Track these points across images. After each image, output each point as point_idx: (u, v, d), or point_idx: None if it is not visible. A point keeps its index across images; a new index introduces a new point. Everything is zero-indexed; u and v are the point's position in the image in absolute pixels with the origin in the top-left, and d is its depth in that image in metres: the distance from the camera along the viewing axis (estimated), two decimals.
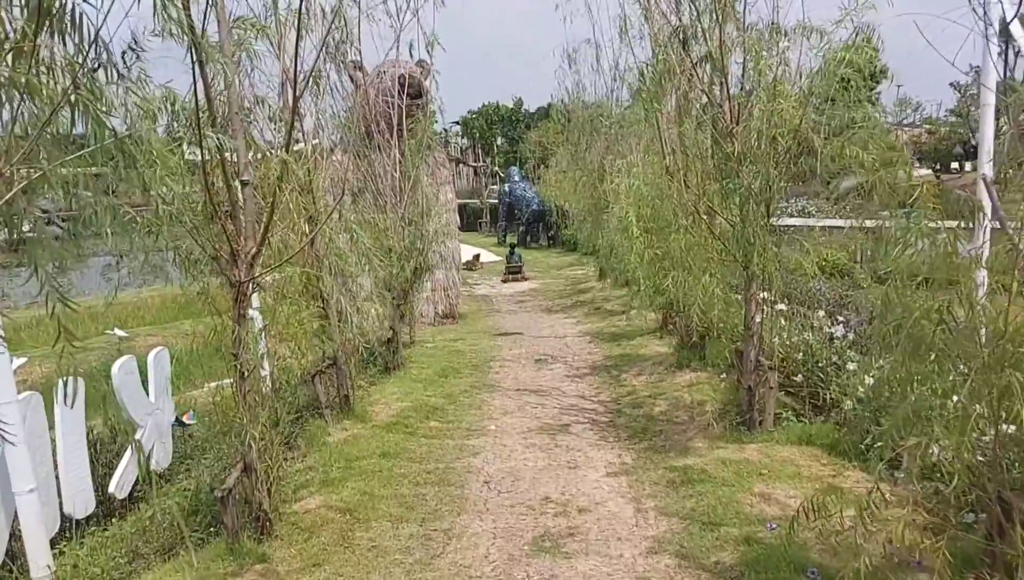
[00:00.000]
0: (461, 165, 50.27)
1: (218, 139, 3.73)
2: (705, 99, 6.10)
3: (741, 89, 5.74)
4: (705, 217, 6.21)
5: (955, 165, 51.80)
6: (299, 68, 4.06)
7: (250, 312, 7.66)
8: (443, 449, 6.69)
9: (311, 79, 4.25)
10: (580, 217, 19.44)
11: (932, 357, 3.13)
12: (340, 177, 12.17)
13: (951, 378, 3.13)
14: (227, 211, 4.13)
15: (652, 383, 8.84)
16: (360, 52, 9.53)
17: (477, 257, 28.33)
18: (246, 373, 4.34)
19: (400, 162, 11.35)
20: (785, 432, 6.12)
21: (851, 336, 6.94)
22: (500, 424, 7.59)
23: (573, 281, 22.50)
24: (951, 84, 45.04)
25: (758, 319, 6.32)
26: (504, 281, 23.34)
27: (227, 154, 4.22)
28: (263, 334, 6.88)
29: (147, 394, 6.43)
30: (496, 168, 46.81)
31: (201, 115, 3.58)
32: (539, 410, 8.15)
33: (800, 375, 6.72)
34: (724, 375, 8.35)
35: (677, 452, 6.22)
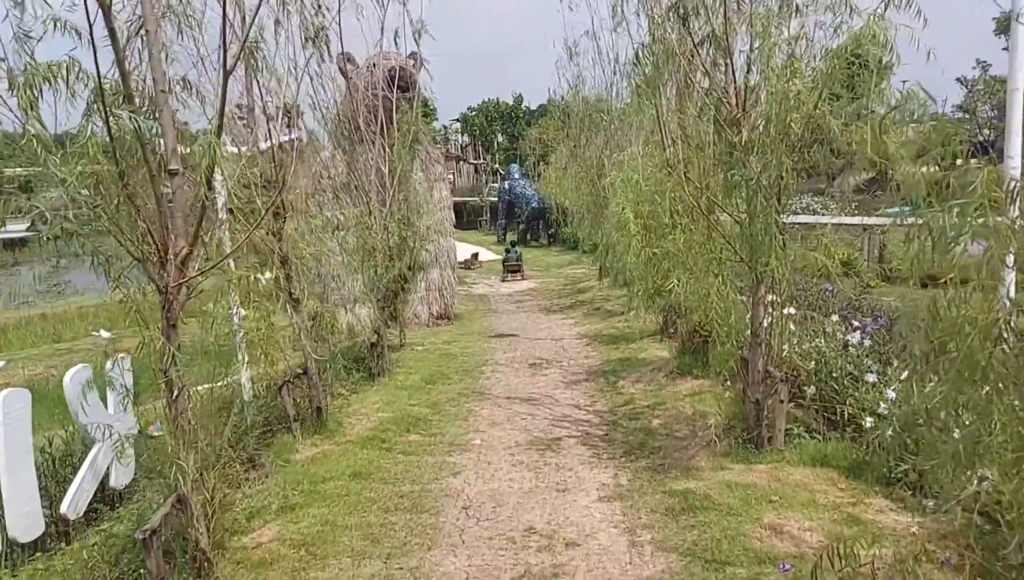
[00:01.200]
0: (461, 162, 49.75)
1: (134, 119, 3.14)
2: (708, 83, 5.50)
3: (748, 71, 5.14)
4: (707, 213, 5.61)
5: (959, 162, 50.90)
6: (231, 37, 3.47)
7: (234, 319, 7.12)
8: (421, 467, 6.10)
9: (245, 48, 3.64)
10: (579, 214, 18.84)
11: (988, 381, 2.53)
12: (319, 173, 11.62)
13: (1013, 406, 2.54)
14: (154, 206, 3.55)
15: (651, 391, 8.25)
16: (340, 36, 8.93)
17: (476, 256, 27.86)
18: (176, 392, 3.75)
19: (388, 157, 10.80)
20: (797, 451, 5.51)
21: (867, 343, 6.34)
22: (486, 437, 7.00)
23: (573, 280, 21.96)
24: (957, 79, 44.33)
25: (766, 324, 5.72)
26: (503, 280, 22.86)
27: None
28: (242, 343, 6.36)
29: (105, 405, 5.91)
30: (496, 165, 46.25)
31: (108, 91, 3.00)
32: (529, 421, 7.56)
33: (812, 386, 6.11)
34: (728, 383, 7.76)
35: (677, 472, 5.62)
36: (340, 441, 6.71)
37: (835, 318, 6.78)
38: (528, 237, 35.01)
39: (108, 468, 5.77)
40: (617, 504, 5.18)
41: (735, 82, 5.20)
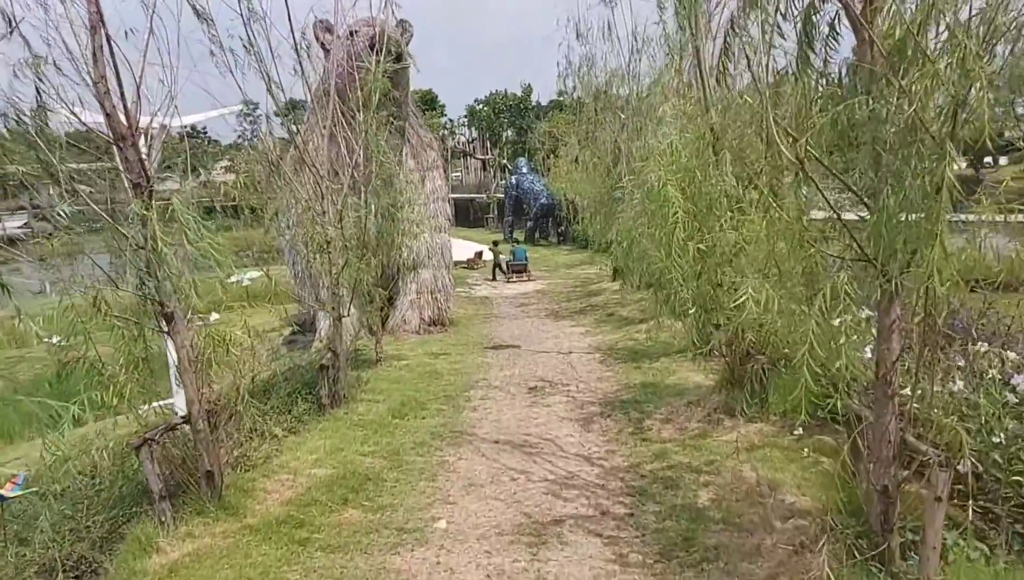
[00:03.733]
0: (469, 158, 47.51)
1: None
2: None
3: None
4: (804, 175, 3.35)
5: (988, 159, 48.02)
6: None
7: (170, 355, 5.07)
8: (344, 579, 3.90)
9: None
10: (591, 209, 16.50)
11: None
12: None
13: None
14: None
15: (690, 440, 6.00)
16: None
17: (479, 254, 25.84)
18: None
19: (360, 130, 8.61)
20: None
21: None
22: (456, 516, 4.81)
23: (584, 281, 19.74)
24: None
25: (898, 364, 3.46)
26: (508, 281, 20.83)
27: None
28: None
29: None
30: (504, 160, 44.11)
31: None
32: (521, 485, 5.36)
33: (964, 460, 3.84)
34: (800, 431, 5.53)
35: None
36: (236, 526, 4.52)
37: (982, 346, 4.48)
38: (537, 235, 32.91)
39: None
40: None
41: None
